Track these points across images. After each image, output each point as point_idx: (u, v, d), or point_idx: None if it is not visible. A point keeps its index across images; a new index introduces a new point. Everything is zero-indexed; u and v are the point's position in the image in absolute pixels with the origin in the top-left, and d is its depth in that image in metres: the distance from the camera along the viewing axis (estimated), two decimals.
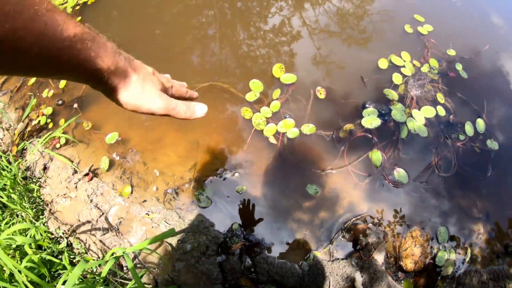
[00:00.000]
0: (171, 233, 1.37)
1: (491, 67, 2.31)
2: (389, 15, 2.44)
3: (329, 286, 1.59)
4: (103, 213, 1.69)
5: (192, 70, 2.08)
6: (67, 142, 1.91)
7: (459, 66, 2.21)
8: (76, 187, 1.76)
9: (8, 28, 0.34)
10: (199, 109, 0.62)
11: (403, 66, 2.12)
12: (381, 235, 1.68)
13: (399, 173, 1.80)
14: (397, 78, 2.07)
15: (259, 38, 2.24)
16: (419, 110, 1.99)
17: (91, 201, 1.71)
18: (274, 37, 2.26)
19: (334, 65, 2.12)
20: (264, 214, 1.66)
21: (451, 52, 2.27)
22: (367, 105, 1.95)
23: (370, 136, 1.87)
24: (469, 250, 1.75)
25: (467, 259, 1.74)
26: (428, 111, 1.99)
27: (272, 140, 1.83)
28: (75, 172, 1.80)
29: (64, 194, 1.75)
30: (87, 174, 1.77)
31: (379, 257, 1.67)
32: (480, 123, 2.03)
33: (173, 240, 1.60)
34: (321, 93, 1.96)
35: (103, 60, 0.46)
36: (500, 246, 1.79)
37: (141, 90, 0.53)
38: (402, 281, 1.71)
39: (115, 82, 0.50)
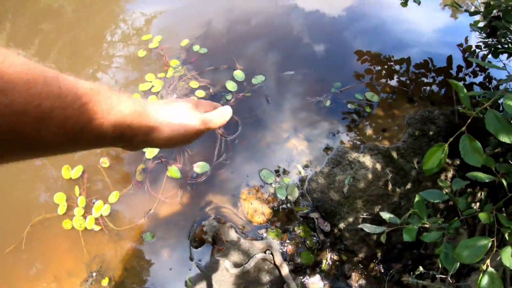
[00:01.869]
0: None
1: (221, 28, 2.62)
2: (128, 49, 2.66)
3: None
4: None
5: None
6: None
7: (196, 48, 2.50)
8: None
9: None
10: (227, 109, 0.61)
11: (153, 86, 2.35)
12: (215, 222, 1.88)
13: (199, 166, 2.02)
14: (153, 99, 2.31)
15: None
16: None
17: None
18: None
19: None
20: None
21: (184, 42, 2.55)
22: None
23: (161, 161, 2.07)
24: (298, 166, 2.02)
25: (302, 173, 2.00)
26: None
27: (96, 227, 1.96)
28: None
29: None
30: None
31: (232, 235, 1.88)
32: (238, 74, 2.32)
33: None
34: (106, 163, 2.13)
35: (133, 131, 0.45)
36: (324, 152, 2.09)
37: (173, 116, 0.51)
38: (267, 235, 1.94)
39: (151, 134, 0.48)
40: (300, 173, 2.00)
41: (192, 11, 2.82)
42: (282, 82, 2.19)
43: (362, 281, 2.00)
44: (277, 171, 2.01)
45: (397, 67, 2.42)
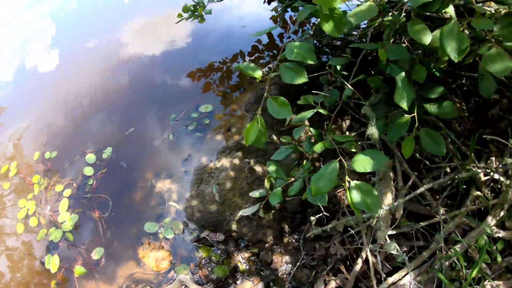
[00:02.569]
0: None
1: (61, 123, 2.76)
2: None
3: None
4: None
5: None
6: None
7: (47, 154, 2.62)
8: None
9: None
10: None
11: (28, 209, 2.44)
12: None
13: (96, 252, 2.14)
14: (34, 220, 2.40)
15: None
16: None
17: None
18: None
19: None
20: None
21: (36, 156, 2.67)
22: None
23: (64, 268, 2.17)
24: (172, 203, 2.16)
25: (177, 206, 2.14)
26: None
27: None
28: None
29: None
30: None
31: None
32: (90, 157, 2.45)
33: None
34: None
35: None
36: None
37: None
38: (176, 273, 2.06)
39: None
40: (176, 207, 2.17)
41: (31, 124, 2.94)
42: (127, 142, 2.36)
43: (285, 258, 2.18)
44: (157, 218, 2.17)
45: (224, 67, 2.67)
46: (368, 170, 1.58)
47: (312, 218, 2.01)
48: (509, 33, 1.40)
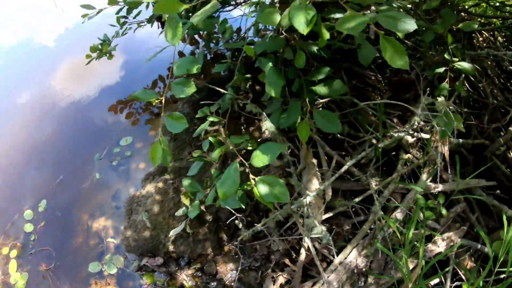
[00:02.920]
0: None
1: None
2: None
3: None
4: None
5: None
6: None
7: None
8: None
9: None
10: None
11: None
12: None
13: None
14: None
15: None
16: None
17: None
18: None
19: None
20: None
21: None
22: None
23: None
24: (110, 239, 2.19)
25: (115, 241, 2.17)
26: None
27: None
28: None
29: None
30: None
31: None
32: (28, 213, 2.50)
33: None
34: None
35: None
36: None
37: None
38: None
39: None
40: (114, 242, 2.20)
41: None
42: (59, 190, 2.41)
43: (229, 265, 2.20)
44: (99, 257, 2.20)
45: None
46: (267, 163, 1.60)
47: (236, 222, 2.04)
48: None
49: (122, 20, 2.39)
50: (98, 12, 2.29)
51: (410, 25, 1.23)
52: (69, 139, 2.62)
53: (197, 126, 2.19)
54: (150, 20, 2.36)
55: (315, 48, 1.89)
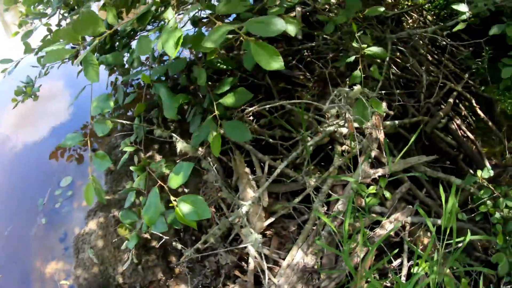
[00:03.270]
0: None
1: None
2: None
3: None
4: None
5: None
6: None
7: None
8: None
9: None
10: None
11: None
12: None
13: None
14: None
15: None
16: None
17: None
18: None
19: None
20: None
21: None
22: None
23: None
24: (63, 282, 2.22)
25: (67, 282, 2.19)
26: None
27: None
28: None
29: None
30: None
31: None
32: None
33: None
34: None
35: None
36: None
37: None
38: None
39: None
40: (67, 284, 2.23)
41: None
42: (10, 241, 2.44)
43: (181, 287, 2.22)
44: None
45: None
46: (181, 183, 1.63)
47: (174, 243, 2.08)
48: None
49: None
50: (17, 64, 2.34)
51: (280, 26, 1.27)
52: (14, 189, 2.66)
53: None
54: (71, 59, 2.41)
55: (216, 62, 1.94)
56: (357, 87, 2.07)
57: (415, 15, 3.40)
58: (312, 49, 2.84)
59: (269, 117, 2.47)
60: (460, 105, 3.13)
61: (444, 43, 3.29)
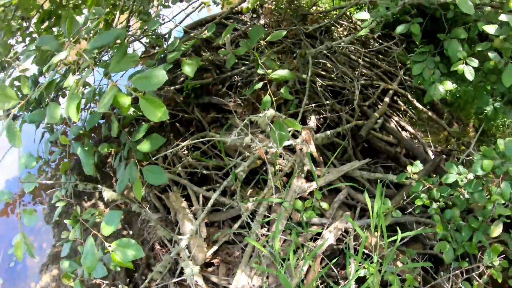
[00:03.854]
0: None
1: None
2: None
3: None
4: None
5: None
6: None
7: None
8: None
9: None
10: None
11: None
12: None
13: None
14: None
15: None
16: None
17: None
18: None
19: None
20: None
21: None
22: None
23: None
24: None
25: None
26: None
27: None
28: None
29: None
30: None
31: None
32: None
33: None
34: None
35: None
36: None
37: None
38: None
39: None
40: None
41: None
42: None
43: None
44: None
45: None
46: (113, 230, 1.72)
47: (120, 287, 2.16)
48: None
49: None
50: None
51: (161, 77, 1.37)
52: None
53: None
54: None
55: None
56: (269, 112, 2.15)
57: (345, 23, 3.51)
58: (242, 74, 2.95)
59: (202, 148, 2.56)
60: (399, 101, 3.20)
61: (377, 44, 3.39)
